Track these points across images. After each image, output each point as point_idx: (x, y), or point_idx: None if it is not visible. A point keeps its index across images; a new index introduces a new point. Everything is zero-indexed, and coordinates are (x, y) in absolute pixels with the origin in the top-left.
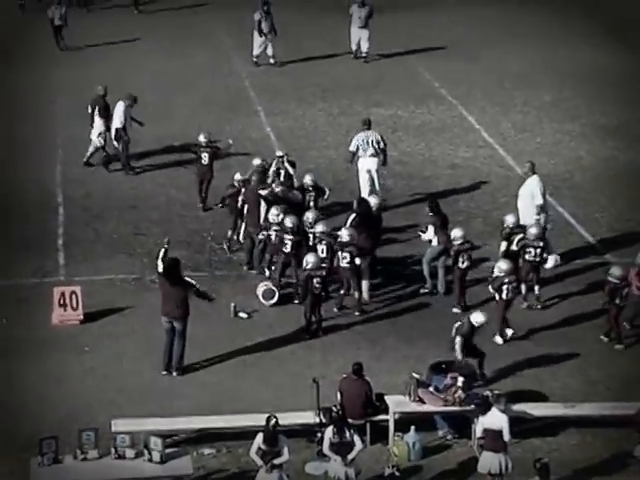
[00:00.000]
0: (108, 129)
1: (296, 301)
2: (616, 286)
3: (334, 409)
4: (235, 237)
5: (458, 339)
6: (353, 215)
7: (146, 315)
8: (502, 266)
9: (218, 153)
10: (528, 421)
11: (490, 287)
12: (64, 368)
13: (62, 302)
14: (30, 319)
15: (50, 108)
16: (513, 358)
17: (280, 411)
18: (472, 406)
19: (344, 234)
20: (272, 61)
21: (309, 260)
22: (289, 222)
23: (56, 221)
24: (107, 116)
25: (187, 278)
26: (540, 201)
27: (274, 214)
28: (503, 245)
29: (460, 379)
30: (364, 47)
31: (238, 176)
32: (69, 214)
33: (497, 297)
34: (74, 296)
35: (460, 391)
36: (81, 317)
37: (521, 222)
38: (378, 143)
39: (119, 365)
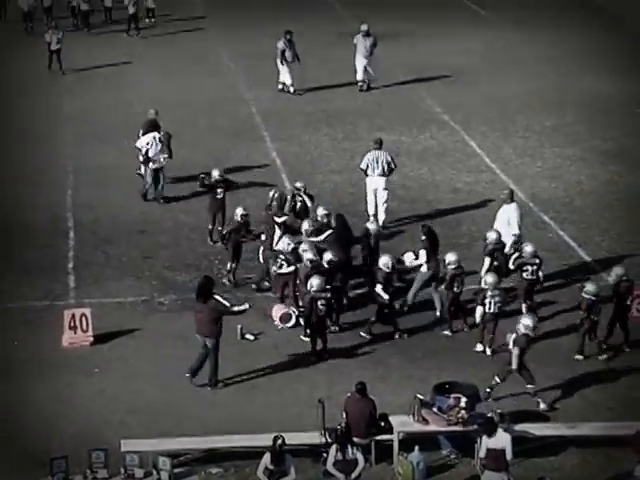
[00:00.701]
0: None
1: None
2: (593, 302)
3: (338, 427)
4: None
5: (516, 351)
6: (329, 231)
7: (155, 337)
8: (488, 279)
9: (232, 186)
10: (530, 440)
11: (477, 300)
12: (74, 389)
13: (72, 324)
14: (41, 341)
15: (59, 133)
16: (514, 378)
17: (286, 431)
18: (475, 426)
19: (385, 263)
20: (281, 87)
21: (313, 282)
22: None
23: (66, 245)
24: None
25: (218, 297)
26: (516, 231)
27: (285, 242)
28: (486, 261)
29: (463, 399)
30: (370, 74)
31: (240, 210)
32: (79, 238)
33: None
34: (84, 318)
35: (463, 411)
36: (91, 339)
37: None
38: (388, 164)
39: (128, 386)
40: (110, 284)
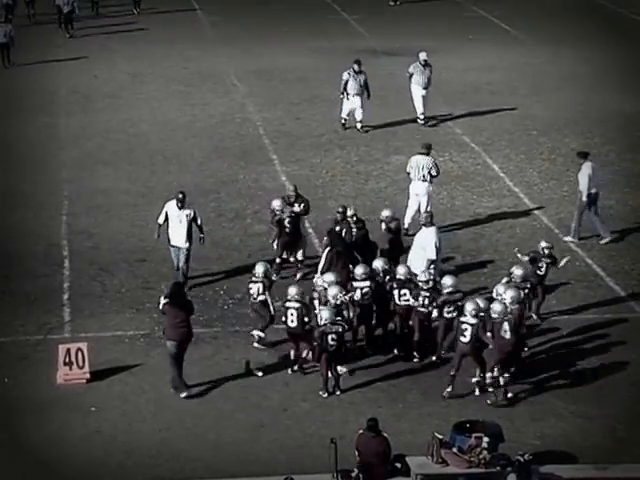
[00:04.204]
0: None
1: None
2: (494, 321)
3: (353, 474)
4: None
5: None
6: (326, 250)
7: (156, 373)
8: (499, 289)
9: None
10: None
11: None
12: (69, 429)
13: (67, 360)
14: (34, 378)
15: (55, 158)
16: (540, 417)
17: (296, 473)
18: (498, 468)
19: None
20: (359, 126)
21: (323, 315)
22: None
23: (61, 275)
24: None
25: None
26: (433, 256)
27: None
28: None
29: (485, 439)
30: (424, 109)
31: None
32: (75, 267)
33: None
34: (80, 353)
35: (485, 452)
36: (87, 376)
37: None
38: (429, 169)
39: (127, 426)
40: (108, 317)
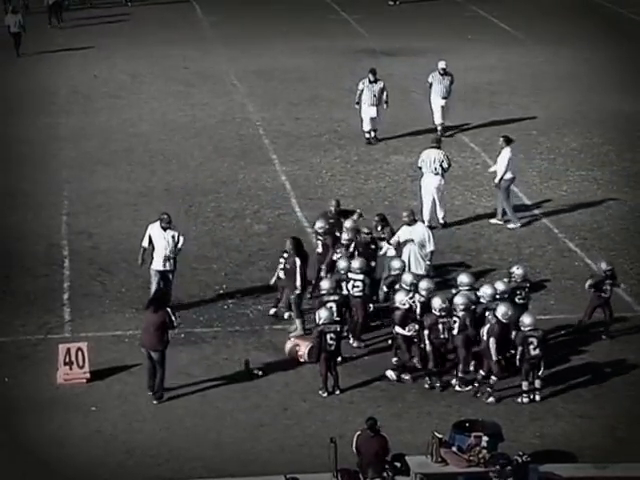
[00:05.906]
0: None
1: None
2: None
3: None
4: None
5: (491, 341)
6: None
7: None
8: (499, 287)
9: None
10: None
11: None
12: (69, 429)
13: (68, 360)
14: (34, 378)
15: (55, 158)
16: (540, 416)
17: (296, 473)
18: (497, 467)
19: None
20: (372, 134)
21: (322, 315)
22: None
23: (62, 274)
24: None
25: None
26: (433, 247)
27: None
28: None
29: (484, 439)
30: (443, 118)
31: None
32: (75, 267)
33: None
34: (80, 353)
35: (484, 451)
36: (88, 375)
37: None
38: (441, 162)
39: (127, 426)
40: (108, 316)
